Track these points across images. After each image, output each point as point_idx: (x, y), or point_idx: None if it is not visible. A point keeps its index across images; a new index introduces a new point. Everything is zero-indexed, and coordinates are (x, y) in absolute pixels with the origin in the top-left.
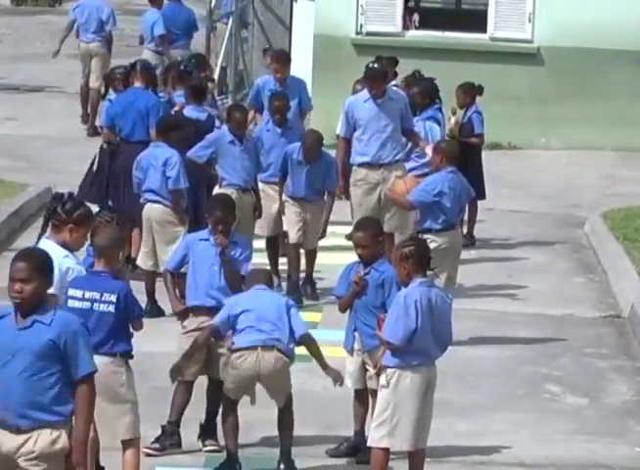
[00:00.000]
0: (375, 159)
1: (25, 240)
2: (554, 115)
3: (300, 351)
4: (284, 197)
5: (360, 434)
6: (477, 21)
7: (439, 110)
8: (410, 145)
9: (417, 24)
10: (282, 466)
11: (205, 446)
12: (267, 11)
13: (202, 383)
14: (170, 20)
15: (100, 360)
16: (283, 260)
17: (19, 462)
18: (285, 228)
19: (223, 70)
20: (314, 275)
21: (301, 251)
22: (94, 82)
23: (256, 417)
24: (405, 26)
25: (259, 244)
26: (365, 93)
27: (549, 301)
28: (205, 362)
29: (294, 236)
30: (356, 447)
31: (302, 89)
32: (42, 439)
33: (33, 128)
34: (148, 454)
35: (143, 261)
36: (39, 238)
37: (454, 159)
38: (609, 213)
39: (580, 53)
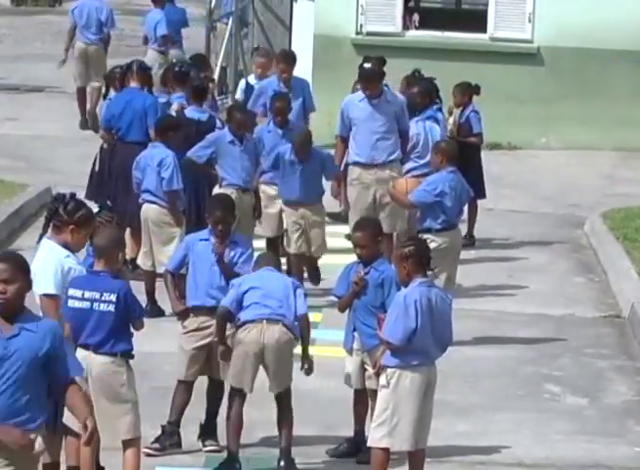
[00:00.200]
0: (368, 159)
1: (26, 240)
2: (554, 115)
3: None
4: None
5: (360, 434)
6: (477, 21)
7: (439, 110)
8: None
9: (417, 24)
10: (282, 464)
11: (205, 446)
12: (267, 11)
13: (202, 383)
14: (168, 22)
15: (100, 360)
16: (282, 260)
17: None
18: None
19: (223, 70)
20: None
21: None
22: (95, 82)
23: (257, 417)
24: (405, 26)
25: (260, 244)
26: (361, 93)
27: (549, 301)
28: (206, 362)
29: (294, 246)
30: (356, 447)
31: (306, 90)
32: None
33: (33, 128)
34: (148, 454)
35: (142, 261)
36: (40, 238)
37: (454, 159)
38: (609, 213)
39: (580, 53)
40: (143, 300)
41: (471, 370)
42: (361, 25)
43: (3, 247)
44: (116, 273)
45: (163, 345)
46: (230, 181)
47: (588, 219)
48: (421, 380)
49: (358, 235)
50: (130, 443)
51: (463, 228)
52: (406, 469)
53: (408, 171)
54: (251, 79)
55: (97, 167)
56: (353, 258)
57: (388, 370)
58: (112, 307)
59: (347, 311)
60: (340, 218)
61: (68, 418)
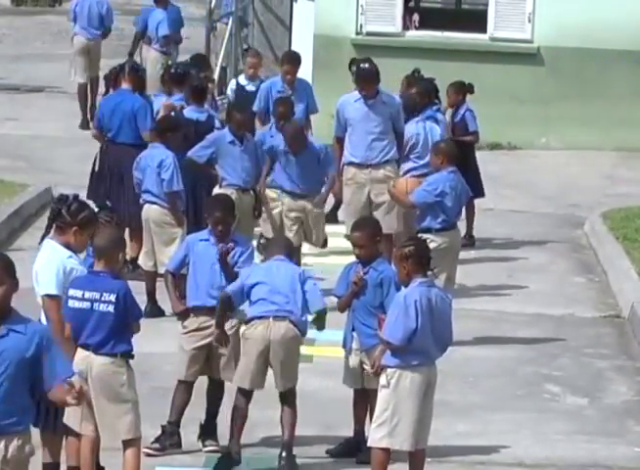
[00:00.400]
0: (363, 159)
1: (26, 240)
2: (554, 115)
3: (302, 351)
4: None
5: (360, 434)
6: (477, 21)
7: (439, 110)
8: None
9: (417, 25)
10: (283, 454)
11: (205, 446)
12: (267, 11)
13: (202, 383)
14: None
15: (100, 361)
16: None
17: None
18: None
19: (223, 70)
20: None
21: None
22: (82, 78)
23: (257, 418)
24: (405, 26)
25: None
26: (356, 93)
27: (549, 301)
28: (206, 362)
29: (294, 240)
30: (356, 447)
31: (309, 91)
32: (12, 446)
33: (33, 128)
34: (148, 454)
35: (143, 262)
36: (42, 239)
37: (454, 159)
38: (609, 213)
39: (580, 53)
40: (143, 300)
41: (471, 370)
42: (361, 26)
43: (3, 247)
44: (117, 273)
45: (163, 345)
46: (230, 181)
47: (588, 219)
48: (421, 380)
49: (357, 235)
50: (130, 443)
51: (462, 228)
52: (406, 469)
53: (407, 172)
54: (242, 80)
55: (96, 167)
56: (353, 258)
57: (389, 370)
58: (111, 308)
59: (347, 311)
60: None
61: (69, 418)
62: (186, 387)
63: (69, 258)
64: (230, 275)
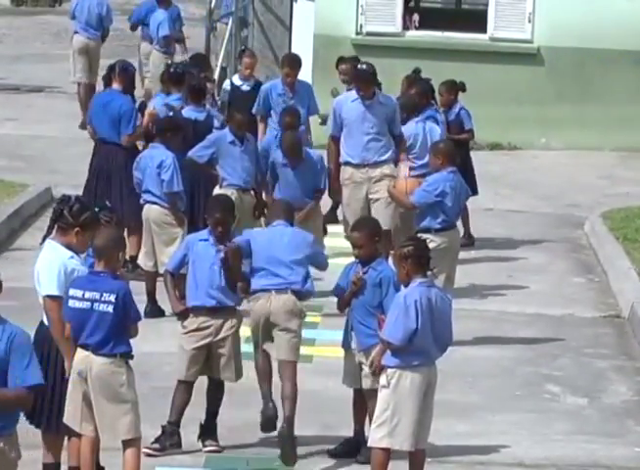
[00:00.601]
0: (359, 160)
1: (26, 240)
2: (554, 115)
3: (302, 351)
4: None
5: (360, 434)
6: (477, 21)
7: (436, 111)
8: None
9: (417, 25)
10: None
11: (205, 446)
12: (267, 11)
13: (202, 383)
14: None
15: (100, 361)
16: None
17: None
18: None
19: (223, 70)
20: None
21: None
22: (83, 78)
23: (257, 417)
24: (405, 26)
25: None
26: (354, 93)
27: (549, 301)
28: (206, 362)
29: None
30: (356, 448)
31: (310, 94)
32: None
33: (33, 128)
34: (148, 454)
35: (144, 262)
36: (44, 239)
37: (454, 159)
38: (608, 214)
39: (580, 53)
40: (143, 300)
41: (471, 370)
42: (361, 26)
43: (3, 247)
44: (117, 274)
45: (163, 345)
46: (230, 181)
47: (588, 219)
48: (421, 380)
49: (356, 235)
50: (130, 443)
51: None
52: (406, 469)
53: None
54: (236, 80)
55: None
56: (352, 258)
57: (389, 370)
58: (110, 308)
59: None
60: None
61: (68, 418)
62: (186, 387)
63: (71, 258)
64: (231, 277)
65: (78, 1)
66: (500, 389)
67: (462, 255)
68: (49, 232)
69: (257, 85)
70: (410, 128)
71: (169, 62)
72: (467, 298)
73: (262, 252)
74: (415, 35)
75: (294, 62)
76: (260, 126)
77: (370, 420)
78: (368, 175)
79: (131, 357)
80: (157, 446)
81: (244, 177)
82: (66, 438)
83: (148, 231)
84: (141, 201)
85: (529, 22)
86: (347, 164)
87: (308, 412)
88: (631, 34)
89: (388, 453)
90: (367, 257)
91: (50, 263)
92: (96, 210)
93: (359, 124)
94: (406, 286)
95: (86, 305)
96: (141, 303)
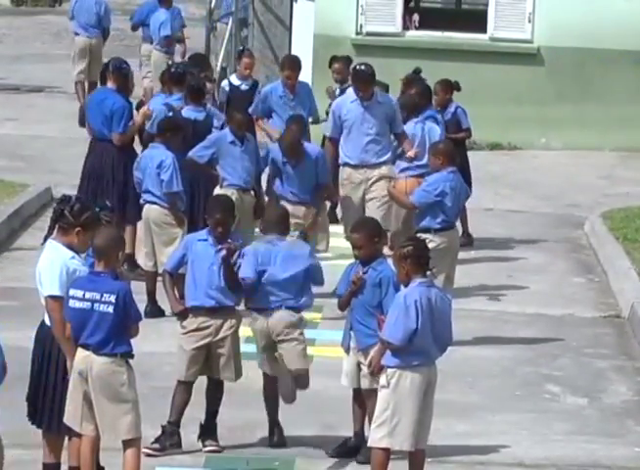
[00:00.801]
0: (358, 161)
1: (26, 240)
2: (554, 115)
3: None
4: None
5: (360, 434)
6: (477, 21)
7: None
8: (399, 148)
9: (417, 25)
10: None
11: (205, 446)
12: (267, 11)
13: (202, 383)
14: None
15: (101, 360)
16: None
17: None
18: None
19: (223, 70)
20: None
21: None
22: (94, 77)
23: (257, 418)
24: (405, 26)
25: None
26: (353, 94)
27: (549, 301)
28: (205, 362)
29: None
30: (356, 448)
31: (310, 94)
32: None
33: (33, 128)
34: (148, 454)
35: (144, 262)
36: (45, 240)
37: (454, 159)
38: (608, 214)
39: (580, 53)
40: (143, 300)
41: (470, 370)
42: (361, 26)
43: (3, 247)
44: (117, 274)
45: (163, 345)
46: (231, 181)
47: (588, 219)
48: (421, 380)
49: (355, 236)
50: (131, 443)
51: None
52: (406, 469)
53: (401, 171)
54: (234, 80)
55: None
56: (351, 259)
57: (389, 370)
58: (111, 308)
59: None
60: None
61: (69, 418)
62: (186, 387)
63: (72, 258)
64: (230, 277)
65: (76, 1)
66: (500, 389)
67: (462, 255)
68: (50, 232)
69: (255, 85)
70: (408, 129)
71: (170, 62)
72: (467, 298)
73: (263, 273)
74: (415, 35)
75: (294, 64)
76: (257, 127)
77: (369, 420)
78: (366, 176)
79: (132, 357)
80: (157, 446)
81: (244, 177)
82: (66, 438)
83: (148, 231)
84: (141, 201)
85: (529, 22)
86: (346, 164)
87: (308, 412)
88: (631, 34)
89: (388, 453)
90: (367, 257)
91: (52, 264)
92: (97, 209)
93: (358, 125)
94: (406, 286)
95: (87, 305)
96: (141, 302)
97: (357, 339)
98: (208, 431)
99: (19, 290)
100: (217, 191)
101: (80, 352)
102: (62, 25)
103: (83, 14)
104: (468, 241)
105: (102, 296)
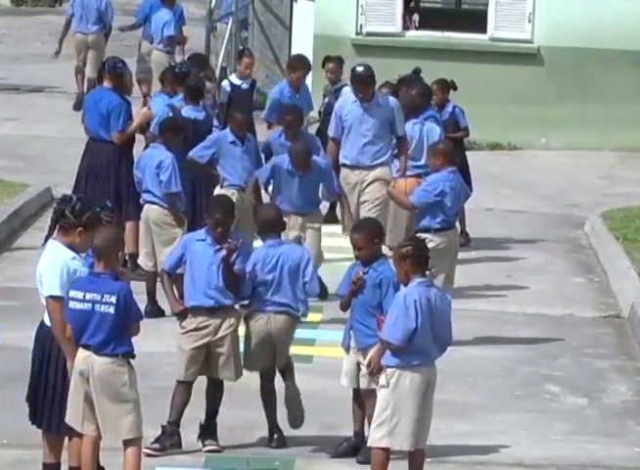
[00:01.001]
0: (354, 162)
1: (26, 240)
2: (554, 115)
3: (301, 351)
4: None
5: (360, 434)
6: (477, 21)
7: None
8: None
9: (417, 25)
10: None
11: (204, 446)
12: (267, 11)
13: (201, 383)
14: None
15: (102, 360)
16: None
17: None
18: None
19: (223, 70)
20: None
21: None
22: (91, 73)
23: (257, 417)
24: (405, 27)
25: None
26: (353, 95)
27: (549, 301)
28: (205, 362)
29: None
30: (356, 448)
31: (308, 93)
32: None
33: (33, 128)
34: (148, 455)
35: (144, 262)
36: (46, 240)
37: (454, 159)
38: (608, 214)
39: (580, 53)
40: (143, 300)
41: (470, 370)
42: (361, 26)
43: (3, 247)
44: (117, 274)
45: (163, 345)
46: (231, 182)
47: (588, 219)
48: (421, 380)
49: (355, 237)
50: (131, 442)
51: None
52: (406, 469)
53: (398, 171)
54: (234, 79)
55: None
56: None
57: (388, 370)
58: (111, 309)
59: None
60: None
61: (70, 418)
62: (185, 387)
63: (73, 259)
64: (229, 276)
65: None
66: (500, 389)
67: (462, 255)
68: (50, 233)
69: (253, 84)
70: (407, 129)
71: (172, 62)
72: (467, 298)
73: (257, 276)
74: (415, 35)
75: (306, 65)
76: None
77: (369, 420)
78: (361, 178)
79: (133, 357)
80: (157, 446)
81: (244, 177)
82: (66, 438)
83: (148, 231)
84: (141, 200)
85: (529, 22)
86: (343, 165)
87: (308, 412)
88: (631, 34)
89: (388, 453)
90: (367, 258)
91: (53, 264)
92: (97, 209)
93: (357, 126)
94: (406, 286)
95: (87, 306)
96: (141, 302)
97: (357, 339)
98: (208, 431)
99: (19, 290)
100: (218, 191)
101: (81, 353)
102: (62, 25)
103: (79, 10)
104: (465, 240)
105: (102, 297)
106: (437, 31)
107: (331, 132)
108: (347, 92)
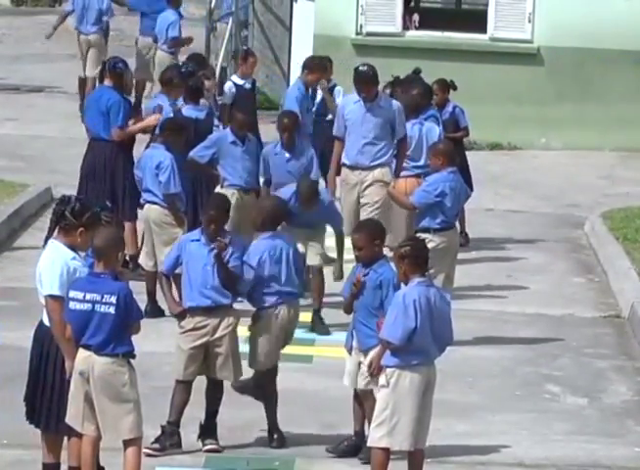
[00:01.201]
0: (353, 162)
1: (26, 240)
2: (554, 115)
3: (301, 351)
4: None
5: (360, 433)
6: (476, 21)
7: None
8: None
9: (417, 25)
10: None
11: (204, 445)
12: (267, 11)
13: (201, 383)
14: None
15: (102, 360)
16: None
17: None
18: None
19: (223, 70)
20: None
21: None
22: (91, 72)
23: (257, 417)
24: (405, 27)
25: None
26: (356, 95)
27: (549, 301)
28: (204, 362)
29: None
30: (356, 447)
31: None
32: None
33: (33, 128)
34: (148, 454)
35: (144, 262)
36: (46, 241)
37: (454, 159)
38: (608, 214)
39: (580, 53)
40: (143, 300)
41: (470, 370)
42: (361, 26)
43: (3, 247)
44: (117, 274)
45: (163, 345)
46: (232, 182)
47: (588, 219)
48: (420, 380)
49: (356, 237)
50: (132, 442)
51: None
52: (406, 469)
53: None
54: (237, 79)
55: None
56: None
57: (388, 370)
58: (112, 309)
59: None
60: None
61: (70, 418)
62: (185, 387)
63: (73, 259)
64: (224, 274)
65: None
66: (500, 389)
67: (462, 255)
68: (50, 233)
69: (254, 83)
70: (407, 130)
71: (175, 63)
72: (467, 298)
73: (265, 269)
74: (415, 35)
75: (323, 67)
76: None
77: (368, 421)
78: (360, 178)
79: (133, 357)
80: (157, 446)
81: (245, 177)
82: (65, 438)
83: (148, 231)
84: (141, 200)
85: (529, 22)
86: (343, 165)
87: (308, 412)
88: (631, 34)
89: (388, 453)
90: (367, 258)
91: (53, 263)
92: (97, 209)
93: (358, 127)
94: (406, 286)
95: (87, 306)
96: (141, 302)
97: (359, 339)
98: (208, 431)
99: (19, 290)
100: (218, 191)
101: (81, 353)
102: (62, 26)
103: (83, 10)
104: (464, 241)
105: (102, 297)
106: (437, 31)
107: (334, 131)
108: (341, 91)
